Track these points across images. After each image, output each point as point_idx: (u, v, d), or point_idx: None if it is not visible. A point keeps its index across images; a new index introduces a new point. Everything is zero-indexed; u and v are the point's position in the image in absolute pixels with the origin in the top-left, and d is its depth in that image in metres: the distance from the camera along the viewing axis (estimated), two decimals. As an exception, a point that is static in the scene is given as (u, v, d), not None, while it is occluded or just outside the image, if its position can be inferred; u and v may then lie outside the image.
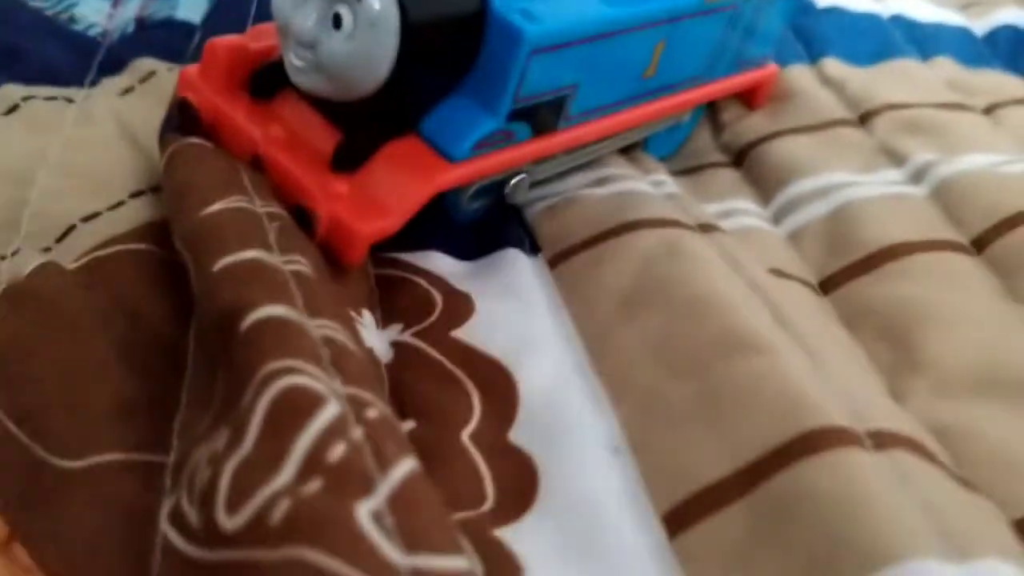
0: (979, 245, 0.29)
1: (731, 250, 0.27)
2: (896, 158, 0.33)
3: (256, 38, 0.26)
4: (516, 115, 0.24)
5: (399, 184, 0.23)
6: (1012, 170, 0.32)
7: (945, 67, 0.39)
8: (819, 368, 0.22)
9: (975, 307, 0.27)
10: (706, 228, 0.28)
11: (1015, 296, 0.28)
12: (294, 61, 0.22)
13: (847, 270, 0.29)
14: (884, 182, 0.32)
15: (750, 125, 0.36)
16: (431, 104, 0.24)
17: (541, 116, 0.25)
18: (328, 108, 0.24)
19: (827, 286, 0.29)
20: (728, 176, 0.34)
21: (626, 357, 0.23)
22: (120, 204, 0.26)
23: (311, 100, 0.24)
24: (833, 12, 0.42)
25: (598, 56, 0.25)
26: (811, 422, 0.19)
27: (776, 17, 0.33)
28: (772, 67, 0.36)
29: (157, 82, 0.34)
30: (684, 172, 0.35)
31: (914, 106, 0.35)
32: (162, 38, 0.37)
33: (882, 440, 0.19)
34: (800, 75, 0.38)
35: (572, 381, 0.23)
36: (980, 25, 0.44)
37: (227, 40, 0.25)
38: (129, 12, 0.39)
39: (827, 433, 0.19)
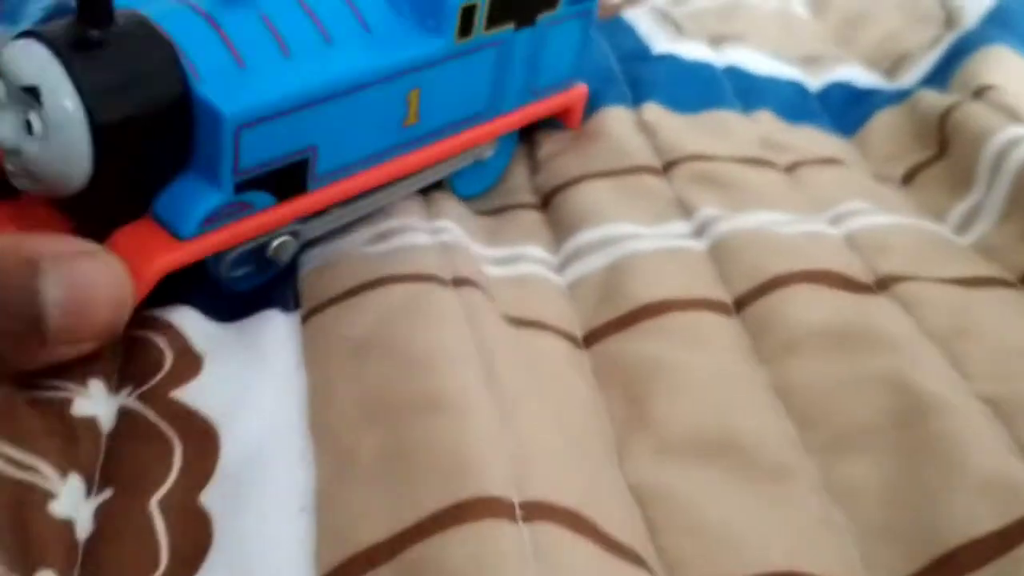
0: (739, 305, 0.30)
1: (475, 306, 0.27)
2: (686, 210, 0.34)
3: None
4: (248, 185, 0.25)
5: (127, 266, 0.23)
6: (790, 231, 0.32)
7: (764, 121, 0.40)
8: (508, 431, 0.22)
9: (716, 368, 0.27)
10: (461, 282, 0.28)
11: (760, 357, 0.28)
12: (8, 167, 0.23)
13: (609, 325, 0.29)
14: (668, 235, 0.33)
15: (561, 166, 0.36)
16: (164, 183, 0.24)
17: (280, 182, 0.25)
18: (62, 203, 0.24)
19: (590, 339, 0.29)
20: (530, 219, 0.34)
21: (338, 413, 0.23)
22: None
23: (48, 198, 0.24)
24: (667, 59, 0.42)
25: (333, 115, 0.26)
26: (468, 490, 0.20)
27: (566, 42, 0.34)
28: (580, 88, 0.36)
29: None
30: (492, 212, 0.35)
31: (716, 159, 0.36)
32: None
33: (533, 512, 0.20)
34: (618, 118, 0.38)
35: (283, 439, 0.23)
36: (816, 81, 0.45)
37: None
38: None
39: (478, 503, 0.19)
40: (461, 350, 0.24)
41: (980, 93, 0.37)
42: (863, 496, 0.24)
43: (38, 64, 0.22)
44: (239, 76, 0.24)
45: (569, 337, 0.29)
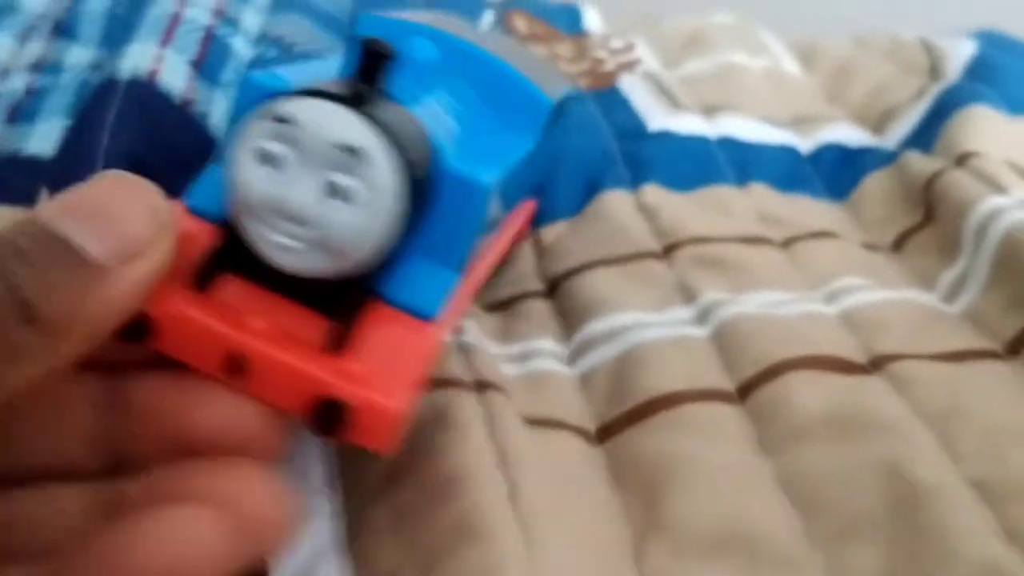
0: (743, 393, 0.32)
1: (497, 412, 0.29)
2: (688, 295, 0.36)
3: None
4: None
5: (407, 353, 0.21)
6: (788, 312, 0.34)
7: (759, 194, 0.42)
8: (534, 555, 0.24)
9: (725, 462, 0.29)
10: (483, 386, 0.30)
11: (764, 448, 0.30)
12: (282, 241, 0.20)
13: (621, 419, 0.31)
14: (673, 322, 0.34)
15: (566, 252, 0.38)
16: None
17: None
18: (284, 286, 0.22)
19: (603, 434, 0.31)
20: (539, 309, 0.36)
21: (375, 540, 0.25)
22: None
23: (258, 280, 0.22)
24: (662, 136, 0.44)
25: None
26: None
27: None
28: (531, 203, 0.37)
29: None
30: (501, 305, 0.37)
31: (715, 240, 0.38)
32: (9, 178, 0.39)
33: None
34: (619, 202, 0.40)
35: (327, 559, 0.25)
36: (807, 143, 0.47)
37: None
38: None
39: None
40: (487, 469, 0.26)
41: (962, 160, 0.39)
42: (867, 586, 0.26)
43: (351, 122, 0.20)
44: (459, 151, 0.23)
45: (583, 433, 0.31)
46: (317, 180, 0.20)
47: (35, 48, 0.49)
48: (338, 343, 0.21)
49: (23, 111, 0.43)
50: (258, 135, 0.20)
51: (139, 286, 0.19)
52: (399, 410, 0.20)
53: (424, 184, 0.21)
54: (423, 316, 0.22)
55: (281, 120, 0.20)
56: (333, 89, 0.20)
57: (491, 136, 0.27)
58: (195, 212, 0.23)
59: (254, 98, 0.22)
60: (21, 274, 0.17)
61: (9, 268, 0.17)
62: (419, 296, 0.22)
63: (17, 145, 0.41)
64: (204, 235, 0.22)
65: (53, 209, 0.18)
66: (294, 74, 0.24)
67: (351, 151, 0.20)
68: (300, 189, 0.20)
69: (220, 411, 0.21)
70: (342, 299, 0.21)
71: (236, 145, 0.20)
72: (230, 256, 0.21)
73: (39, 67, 0.47)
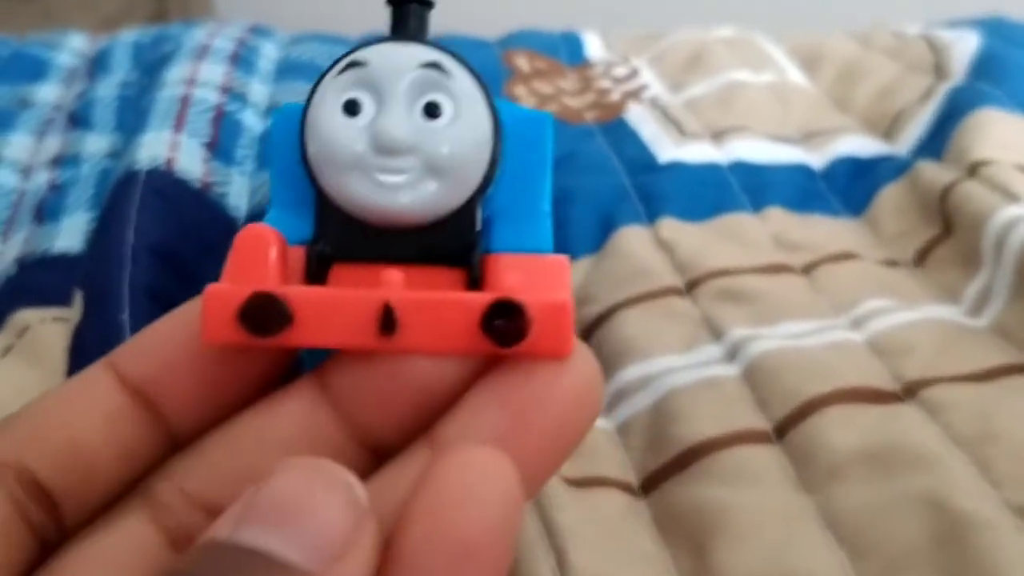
0: (780, 431, 0.32)
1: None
2: (715, 331, 0.36)
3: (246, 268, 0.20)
4: None
5: (546, 272, 0.20)
6: (816, 343, 0.35)
7: (775, 220, 0.42)
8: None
9: (768, 506, 0.30)
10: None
11: (805, 487, 0.30)
12: (390, 179, 0.20)
13: (662, 470, 0.32)
14: (702, 363, 0.35)
15: (592, 297, 0.39)
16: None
17: None
18: (396, 253, 0.21)
19: (647, 486, 0.32)
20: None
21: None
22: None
23: (368, 257, 0.21)
24: (673, 168, 0.45)
25: None
26: None
27: None
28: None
29: (32, 338, 0.37)
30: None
31: (736, 272, 0.38)
32: (39, 280, 0.40)
33: None
34: (637, 238, 0.41)
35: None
36: (820, 158, 0.47)
37: (266, 228, 0.20)
38: (13, 249, 0.42)
39: None
40: (533, 539, 0.27)
41: (975, 170, 0.39)
42: (918, 623, 0.26)
43: (420, 48, 0.20)
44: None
45: (626, 487, 0.32)
46: (407, 107, 0.19)
47: (53, 143, 0.50)
48: (476, 282, 0.20)
49: (48, 208, 0.45)
50: (335, 88, 0.20)
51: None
52: (568, 302, 0.19)
53: (500, 126, 0.20)
54: (539, 249, 0.21)
55: (353, 65, 0.20)
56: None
57: None
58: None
59: (288, 125, 0.21)
60: None
61: None
62: (527, 238, 0.21)
63: (46, 244, 0.42)
64: (297, 253, 0.21)
65: (241, 521, 0.16)
66: None
67: (433, 66, 0.19)
68: (393, 117, 0.19)
69: None
70: (457, 240, 0.20)
71: (315, 106, 0.20)
72: (328, 244, 0.20)
73: (59, 161, 0.48)
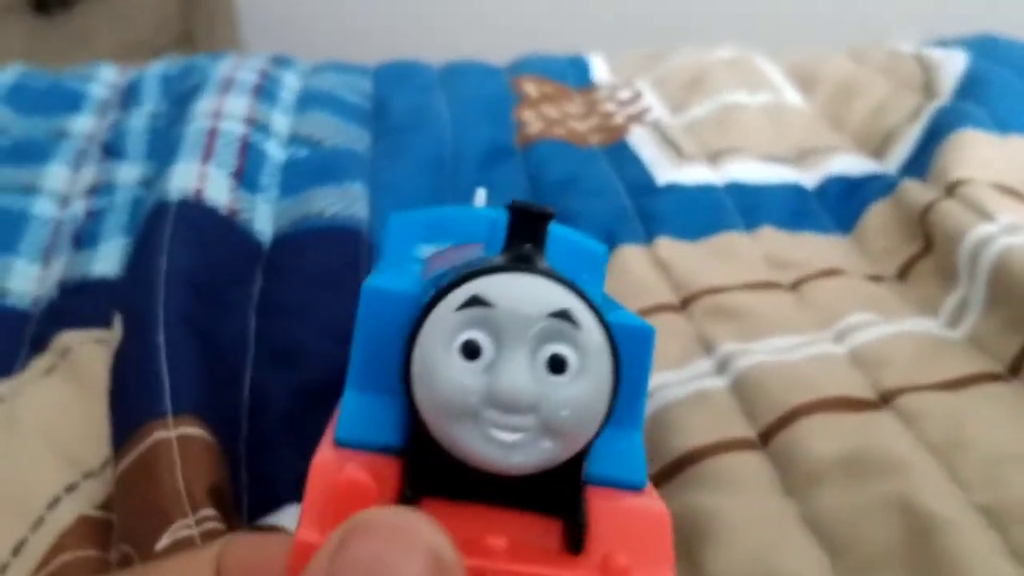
0: (764, 438, 0.35)
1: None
2: (707, 346, 0.39)
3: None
4: None
5: (648, 531, 0.19)
6: (800, 356, 0.37)
7: (767, 238, 0.45)
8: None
9: (754, 510, 0.32)
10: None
11: (787, 490, 0.33)
12: (504, 437, 0.18)
13: (655, 478, 0.34)
14: (694, 376, 0.37)
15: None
16: None
17: None
18: (491, 494, 0.19)
19: (641, 492, 0.34)
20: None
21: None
22: (41, 521, 0.32)
23: (461, 495, 0.19)
24: (671, 190, 0.47)
25: None
26: None
27: None
28: None
29: (74, 359, 0.40)
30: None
31: (728, 289, 0.41)
32: (79, 303, 0.43)
33: None
34: (635, 257, 0.44)
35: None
36: (812, 177, 0.49)
37: (360, 475, 0.19)
38: (54, 275, 0.45)
39: None
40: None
41: (952, 189, 0.42)
42: (889, 617, 0.28)
43: (551, 288, 0.18)
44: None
45: (623, 493, 0.34)
46: (530, 359, 0.18)
47: (88, 173, 0.53)
48: (579, 542, 0.19)
49: (85, 235, 0.48)
50: (453, 325, 0.18)
51: None
52: None
53: (618, 357, 0.19)
54: (635, 487, 0.20)
55: (476, 303, 0.18)
56: (509, 260, 0.18)
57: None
58: (353, 446, 0.20)
59: (378, 307, 0.20)
60: None
61: None
62: (624, 466, 0.20)
63: (84, 270, 0.45)
64: (382, 467, 0.19)
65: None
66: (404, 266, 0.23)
67: (563, 316, 0.18)
68: (516, 372, 0.17)
69: None
70: (561, 491, 0.19)
71: (428, 340, 0.18)
72: (422, 479, 0.19)
73: (95, 190, 0.51)
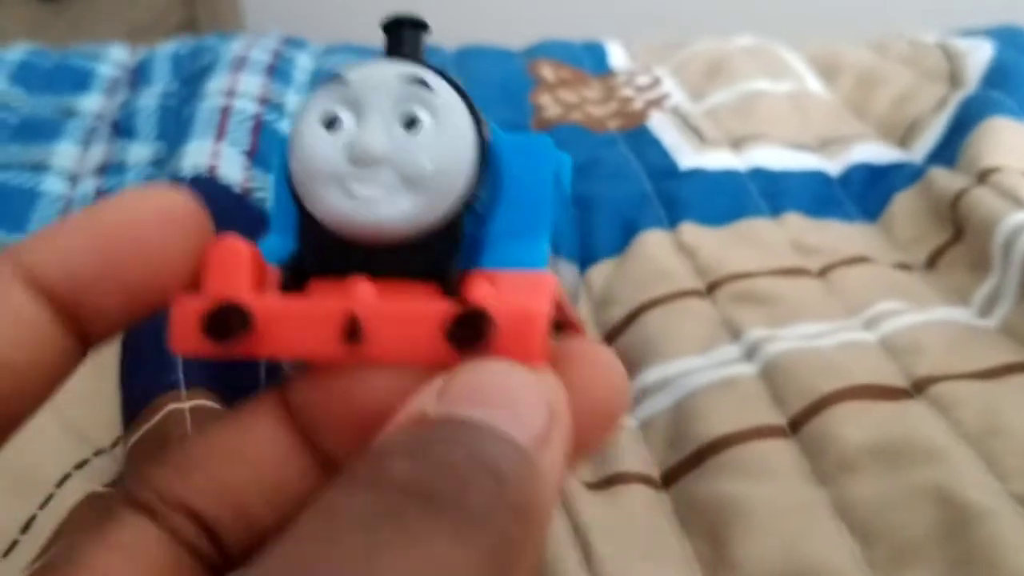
0: (794, 426, 0.34)
1: (565, 482, 0.31)
2: (734, 332, 0.38)
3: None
4: None
5: (527, 285, 0.19)
6: (830, 343, 0.36)
7: (792, 224, 0.44)
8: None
9: (783, 498, 0.31)
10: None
11: (819, 479, 0.32)
12: (366, 192, 0.19)
13: (681, 465, 0.33)
14: (721, 363, 0.37)
15: (615, 299, 0.40)
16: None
17: None
18: (374, 267, 0.20)
19: (667, 479, 0.33)
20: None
21: None
22: (50, 498, 0.31)
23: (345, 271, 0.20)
24: (694, 174, 0.47)
25: None
26: None
27: None
28: None
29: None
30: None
31: (754, 275, 0.40)
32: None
33: None
34: (659, 242, 0.43)
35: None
36: (836, 165, 0.48)
37: (239, 241, 0.20)
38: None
39: None
40: (560, 537, 0.29)
41: (984, 177, 0.41)
42: (925, 608, 0.28)
43: (406, 64, 0.19)
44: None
45: (649, 480, 0.33)
46: (386, 121, 0.19)
47: (98, 152, 0.52)
48: (454, 291, 0.19)
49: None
50: (317, 105, 0.19)
51: (558, 473, 0.16)
52: (541, 311, 0.18)
53: (487, 144, 0.20)
54: (531, 266, 0.20)
55: (336, 82, 0.19)
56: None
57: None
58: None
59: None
60: (491, 456, 0.14)
61: (484, 464, 0.14)
62: (520, 258, 0.20)
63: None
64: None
65: (445, 401, 0.16)
66: None
67: (416, 81, 0.19)
68: (370, 130, 0.19)
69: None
70: (437, 262, 0.20)
71: (298, 120, 0.20)
72: (308, 259, 0.20)
73: (104, 169, 0.51)
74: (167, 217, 0.18)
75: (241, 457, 0.18)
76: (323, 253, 0.20)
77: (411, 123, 0.19)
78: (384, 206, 0.19)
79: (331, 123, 0.19)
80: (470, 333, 0.18)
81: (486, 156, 0.20)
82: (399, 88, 0.19)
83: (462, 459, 0.14)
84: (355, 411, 0.18)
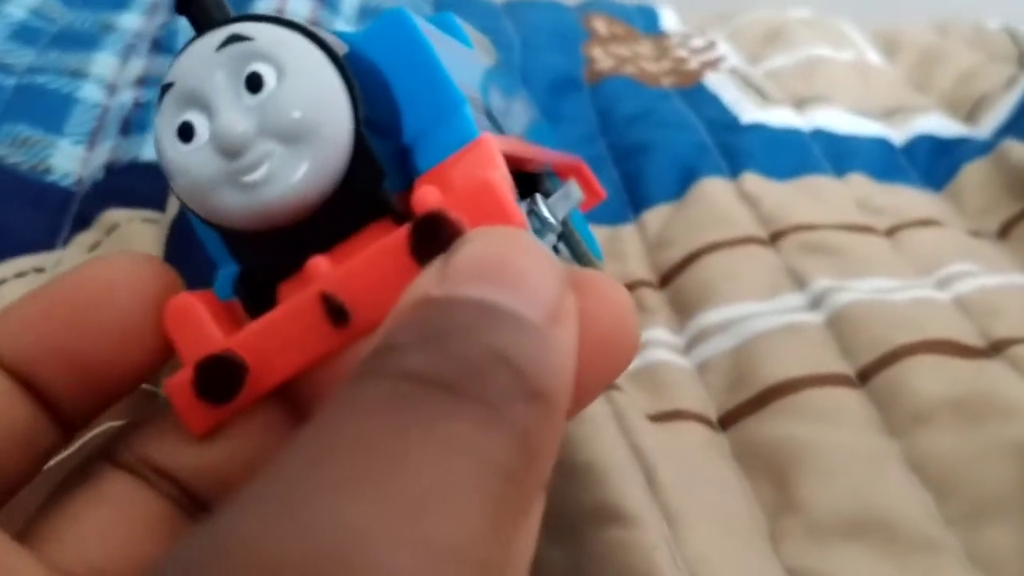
0: (863, 377, 0.32)
1: (624, 410, 0.29)
2: (799, 281, 0.36)
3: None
4: None
5: (471, 158, 0.18)
6: (902, 297, 0.35)
7: (857, 184, 0.42)
8: (679, 538, 0.25)
9: (852, 445, 0.30)
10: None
11: (890, 430, 0.30)
12: (257, 174, 0.17)
13: (742, 407, 0.32)
14: (785, 309, 0.35)
15: (673, 240, 0.39)
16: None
17: None
18: (321, 242, 0.18)
19: (725, 421, 0.32)
20: (652, 300, 0.37)
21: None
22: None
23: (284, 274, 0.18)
24: (756, 128, 0.45)
25: None
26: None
27: None
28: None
29: (120, 235, 0.37)
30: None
31: (820, 227, 0.38)
32: (128, 184, 0.40)
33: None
34: (720, 189, 0.41)
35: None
36: (900, 134, 0.47)
37: (187, 296, 0.18)
38: (100, 157, 0.43)
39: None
40: (624, 459, 0.27)
41: (1065, 147, 0.39)
42: (1004, 565, 0.26)
43: (220, 31, 0.17)
44: None
45: (705, 420, 0.32)
46: (231, 94, 0.17)
47: (137, 65, 0.50)
48: (402, 216, 0.17)
49: (134, 122, 0.45)
50: (164, 122, 0.18)
51: (574, 348, 0.15)
52: (492, 175, 0.17)
53: (342, 58, 0.18)
54: (465, 141, 0.18)
55: (166, 87, 0.18)
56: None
57: None
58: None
59: None
60: (507, 345, 0.13)
61: (486, 346, 0.13)
62: (448, 139, 0.18)
63: (134, 152, 0.42)
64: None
65: (448, 281, 0.14)
66: None
67: (231, 40, 0.17)
68: (222, 115, 0.17)
69: None
70: (369, 194, 0.18)
71: (158, 150, 0.18)
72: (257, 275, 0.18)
73: (143, 82, 0.49)
74: (124, 286, 0.17)
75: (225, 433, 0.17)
76: (259, 257, 0.18)
77: (254, 83, 0.17)
78: (280, 178, 0.17)
79: (185, 132, 0.17)
80: (433, 239, 0.16)
81: (346, 70, 0.17)
82: (220, 58, 0.17)
83: (478, 352, 0.13)
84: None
